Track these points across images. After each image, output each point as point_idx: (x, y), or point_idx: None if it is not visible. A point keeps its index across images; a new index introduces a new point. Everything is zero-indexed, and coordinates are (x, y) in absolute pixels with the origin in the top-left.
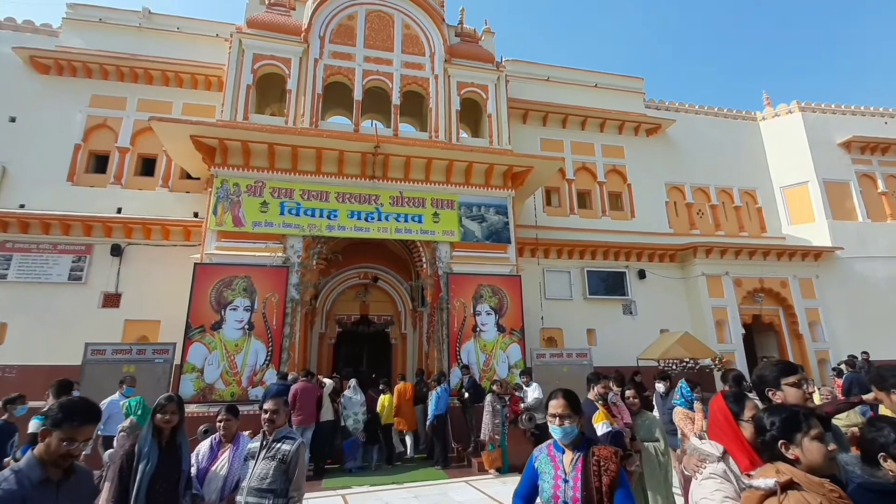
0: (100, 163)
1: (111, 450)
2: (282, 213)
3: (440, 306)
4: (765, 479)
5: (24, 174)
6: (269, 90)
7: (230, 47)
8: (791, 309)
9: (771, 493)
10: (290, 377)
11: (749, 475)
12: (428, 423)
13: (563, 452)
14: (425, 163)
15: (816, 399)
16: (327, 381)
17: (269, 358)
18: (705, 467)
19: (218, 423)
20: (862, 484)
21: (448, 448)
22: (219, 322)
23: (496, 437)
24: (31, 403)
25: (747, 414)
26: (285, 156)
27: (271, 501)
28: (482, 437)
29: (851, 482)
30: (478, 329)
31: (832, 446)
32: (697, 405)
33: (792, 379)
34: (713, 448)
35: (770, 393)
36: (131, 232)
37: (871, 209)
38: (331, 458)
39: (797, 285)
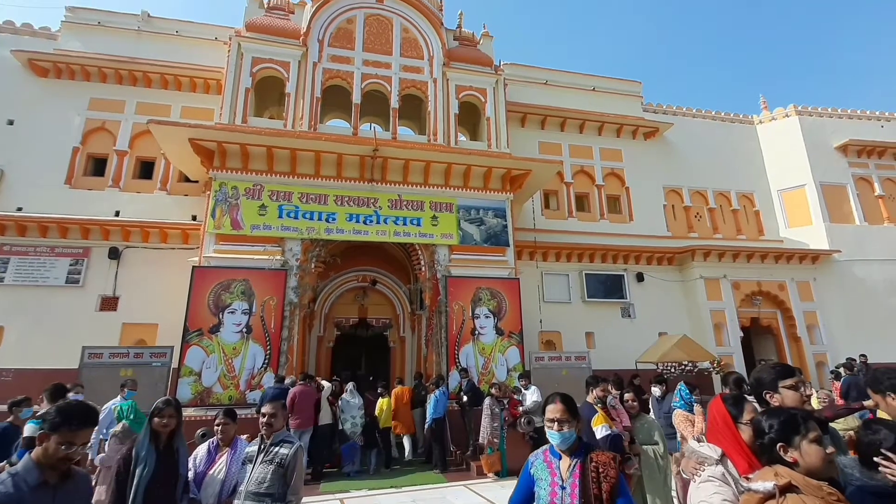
0: (98, 166)
1: (102, 454)
2: (280, 216)
3: (439, 309)
4: (763, 482)
5: (22, 177)
6: (268, 93)
7: (229, 51)
8: (789, 312)
9: (769, 496)
10: (287, 380)
11: (747, 478)
12: (426, 426)
13: (560, 458)
14: (424, 166)
15: (814, 402)
16: (326, 384)
17: (267, 361)
18: (704, 470)
19: (216, 427)
20: (860, 487)
21: (447, 452)
22: (217, 325)
23: (495, 440)
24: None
25: (746, 417)
26: (284, 159)
27: None
28: (481, 440)
29: (850, 485)
30: (476, 332)
31: (830, 449)
32: (697, 408)
33: (789, 382)
34: (711, 451)
35: (768, 396)
36: (129, 235)
37: (867, 212)
38: (329, 461)
39: (795, 288)
